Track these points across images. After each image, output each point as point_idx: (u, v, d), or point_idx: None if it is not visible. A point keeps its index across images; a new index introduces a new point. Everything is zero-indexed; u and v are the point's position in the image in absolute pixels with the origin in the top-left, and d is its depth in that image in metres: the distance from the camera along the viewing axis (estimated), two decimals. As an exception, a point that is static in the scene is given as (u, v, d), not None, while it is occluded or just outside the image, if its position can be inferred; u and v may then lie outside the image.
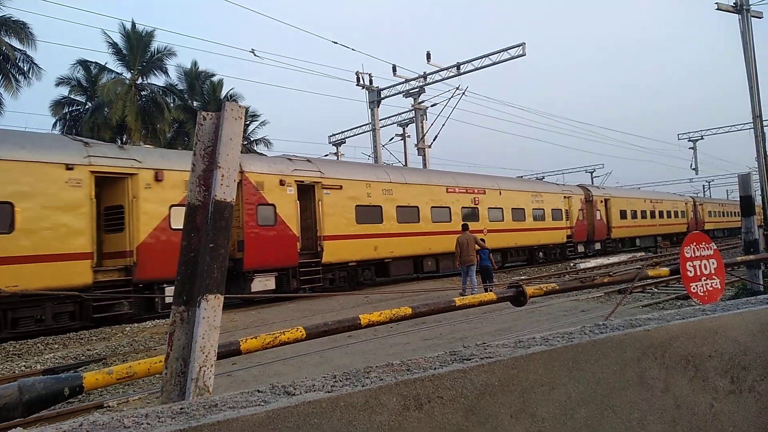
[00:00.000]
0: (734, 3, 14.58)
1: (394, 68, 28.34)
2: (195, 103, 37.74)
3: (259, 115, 40.46)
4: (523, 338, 2.32)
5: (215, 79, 37.86)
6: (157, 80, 35.17)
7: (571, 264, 25.93)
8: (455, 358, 2.02)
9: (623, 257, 29.24)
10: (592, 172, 59.72)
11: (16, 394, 2.57)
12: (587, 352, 2.18)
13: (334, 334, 3.99)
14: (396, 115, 34.27)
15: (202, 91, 37.85)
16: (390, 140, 33.72)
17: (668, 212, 42.82)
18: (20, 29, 27.14)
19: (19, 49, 27.68)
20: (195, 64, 37.35)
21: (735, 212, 58.24)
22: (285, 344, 3.54)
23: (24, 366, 8.62)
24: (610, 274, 14.49)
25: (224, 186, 2.64)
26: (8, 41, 27.32)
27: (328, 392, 1.65)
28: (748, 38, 14.41)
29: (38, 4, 38.58)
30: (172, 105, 35.30)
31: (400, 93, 29.70)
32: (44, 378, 2.82)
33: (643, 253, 32.45)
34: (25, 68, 28.08)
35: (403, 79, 28.88)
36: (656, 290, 13.05)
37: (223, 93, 37.75)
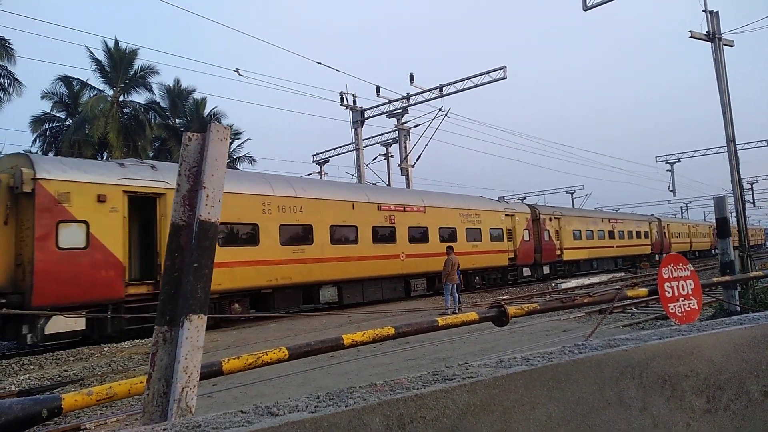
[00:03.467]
0: (707, 32, 15.07)
1: (377, 89, 28.62)
2: (177, 121, 37.63)
3: (241, 133, 40.46)
4: (505, 358, 2.36)
5: (198, 96, 37.90)
6: (140, 97, 35.13)
7: (552, 284, 25.95)
8: (438, 378, 2.05)
9: (604, 277, 29.37)
10: (572, 193, 60.50)
11: (-8, 416, 2.52)
12: (567, 372, 2.22)
13: (317, 354, 3.99)
14: (379, 135, 34.54)
15: (185, 109, 37.76)
16: (373, 160, 33.92)
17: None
18: (2, 44, 26.81)
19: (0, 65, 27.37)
20: (178, 81, 37.37)
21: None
22: (267, 364, 3.52)
23: (-4, 388, 8.39)
24: (590, 294, 14.64)
25: (209, 206, 2.65)
26: None
27: (312, 412, 1.66)
28: (721, 66, 14.87)
29: (19, 20, 38.10)
30: (154, 122, 35.11)
31: (383, 113, 29.94)
32: (21, 399, 2.77)
33: (623, 273, 32.63)
34: (5, 84, 27.73)
35: (387, 100, 29.17)
36: (636, 310, 13.20)
37: (206, 111, 37.71)
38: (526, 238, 27.90)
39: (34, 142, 33.16)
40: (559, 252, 30.78)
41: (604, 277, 29.32)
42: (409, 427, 1.74)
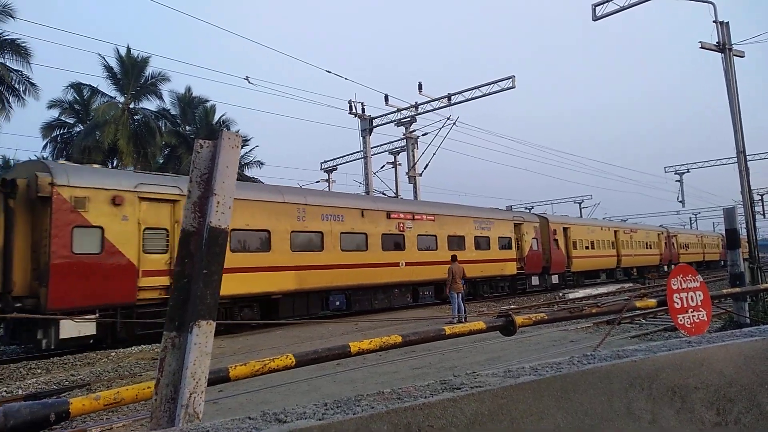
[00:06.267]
0: (717, 42, 15.03)
1: (386, 97, 28.74)
2: (187, 128, 37.87)
3: (249, 139, 40.65)
4: (513, 368, 2.35)
5: (208, 104, 38.05)
6: (150, 105, 35.31)
7: (560, 294, 25.83)
8: (446, 387, 2.04)
9: (612, 288, 29.22)
10: (580, 203, 60.28)
11: (1, 420, 2.54)
12: (576, 383, 2.20)
13: (323, 361, 3.98)
14: (388, 143, 34.62)
15: (195, 117, 38.01)
16: (381, 168, 33.95)
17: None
18: (17, 48, 27.02)
19: (14, 70, 27.67)
20: (189, 89, 37.61)
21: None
22: (274, 371, 3.53)
23: (5, 391, 8.43)
24: (599, 304, 14.54)
25: (219, 213, 2.67)
26: (3, 61, 27.16)
27: (319, 420, 1.66)
28: (731, 77, 14.81)
29: (32, 27, 38.52)
30: (164, 129, 35.33)
31: (392, 122, 30.05)
32: (30, 403, 2.78)
33: (631, 284, 32.41)
34: (20, 89, 27.95)
35: (395, 108, 29.27)
36: (644, 321, 13.10)
37: (216, 118, 37.93)
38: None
39: (44, 147, 33.43)
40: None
41: (612, 288, 29.19)
42: (416, 436, 1.73)
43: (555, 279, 29.21)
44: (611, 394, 2.24)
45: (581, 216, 52.33)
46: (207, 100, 38.10)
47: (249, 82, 24.58)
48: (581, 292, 25.89)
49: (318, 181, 39.12)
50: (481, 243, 24.18)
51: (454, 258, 17.02)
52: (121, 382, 8.54)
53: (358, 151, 33.43)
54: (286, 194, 17.02)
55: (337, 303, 17.80)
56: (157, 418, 2.18)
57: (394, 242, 20.06)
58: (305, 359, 3.65)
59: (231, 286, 13.87)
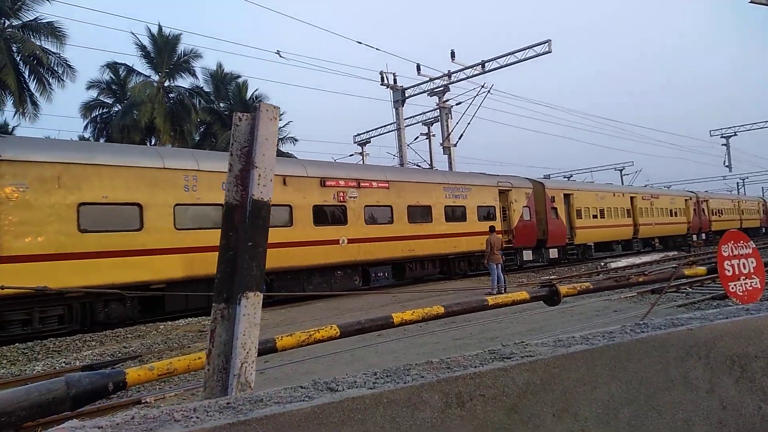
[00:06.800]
0: (772, -6, 14.11)
1: (418, 67, 28.31)
2: (221, 105, 38.23)
3: (282, 114, 40.73)
4: (562, 337, 2.30)
5: (240, 80, 38.20)
6: (184, 82, 35.65)
7: (601, 263, 25.26)
8: (495, 357, 2.02)
9: (655, 256, 28.41)
10: (621, 170, 58.58)
11: (64, 389, 2.66)
12: (629, 352, 2.15)
13: (367, 332, 4.02)
14: (421, 114, 34.19)
15: (228, 93, 38.30)
16: (415, 139, 33.64)
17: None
18: (53, 31, 27.53)
19: (53, 52, 28.30)
20: (220, 66, 37.83)
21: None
22: (319, 342, 3.57)
23: (64, 362, 8.87)
24: (645, 273, 14.17)
25: (261, 185, 2.67)
26: (41, 44, 27.68)
27: (371, 389, 1.67)
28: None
29: (63, 8, 39.05)
30: (198, 107, 35.73)
31: (424, 92, 29.63)
32: (90, 373, 2.90)
33: (676, 252, 31.44)
34: (59, 71, 28.61)
35: (428, 78, 28.83)
36: (690, 290, 12.73)
37: (249, 94, 38.15)
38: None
39: (85, 128, 34.25)
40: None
41: (655, 256, 28.35)
42: (468, 405, 1.72)
43: (553, 253, 25.58)
44: (667, 363, 2.17)
45: (622, 184, 50.63)
46: (239, 76, 38.28)
47: (280, 56, 24.61)
48: (623, 261, 25.20)
49: (352, 155, 39.08)
50: (455, 213, 20.93)
51: (492, 229, 16.90)
52: (171, 353, 8.86)
53: (390, 123, 33.20)
54: (167, 158, 13.75)
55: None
56: (210, 387, 2.24)
57: (332, 215, 16.88)
58: (349, 330, 3.68)
59: (79, 276, 11.45)
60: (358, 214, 17.40)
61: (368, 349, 7.65)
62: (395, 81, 29.24)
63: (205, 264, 12.69)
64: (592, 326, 7.68)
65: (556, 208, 26.14)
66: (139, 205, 12.72)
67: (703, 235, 40.02)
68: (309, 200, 16.17)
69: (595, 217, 29.35)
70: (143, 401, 5.89)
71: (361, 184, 17.74)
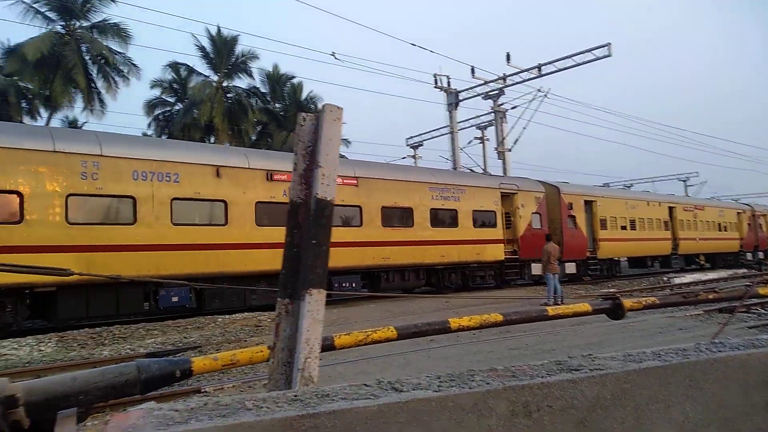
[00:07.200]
0: None
1: (472, 70, 28.15)
2: (277, 105, 39.11)
3: (337, 116, 41.22)
4: (633, 352, 2.21)
5: (296, 81, 38.90)
6: (241, 83, 36.70)
7: (664, 279, 24.09)
8: (562, 368, 1.96)
9: (723, 273, 26.79)
10: (685, 181, 55.77)
11: (135, 373, 2.79)
12: (705, 371, 2.04)
13: (423, 336, 4.00)
14: (474, 117, 33.76)
15: (283, 94, 39.14)
16: (468, 143, 33.28)
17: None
18: (119, 32, 29.31)
19: (118, 52, 29.94)
20: (276, 67, 38.69)
21: None
22: (376, 342, 3.60)
23: (129, 349, 9.33)
24: (716, 290, 13.44)
25: (325, 185, 2.71)
26: (107, 44, 29.47)
27: (436, 391, 1.65)
28: None
29: (127, 8, 40.92)
30: (255, 107, 36.66)
31: (478, 95, 29.36)
32: (159, 360, 3.03)
33: (745, 270, 29.50)
34: (124, 70, 30.30)
35: (482, 81, 28.52)
36: (763, 311, 11.97)
37: (303, 95, 38.88)
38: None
39: (149, 126, 35.86)
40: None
41: (722, 274, 26.75)
42: (535, 415, 1.68)
43: (570, 268, 22.15)
44: (747, 387, 2.05)
45: (686, 195, 47.69)
46: (293, 77, 39.03)
47: (335, 58, 24.93)
48: (688, 277, 23.95)
49: (404, 158, 39.10)
50: (443, 218, 18.65)
51: (548, 237, 16.51)
52: (229, 345, 9.14)
53: (443, 127, 32.99)
54: (59, 140, 11.84)
55: (175, 299, 12.80)
56: (275, 380, 2.29)
57: (280, 215, 13.25)
58: (406, 333, 3.68)
59: None
60: None
61: (420, 354, 7.62)
62: (449, 83, 29.18)
63: (108, 264, 11.38)
64: (656, 343, 7.35)
65: (574, 217, 23.31)
66: (20, 194, 10.99)
67: (760, 254, 36.88)
68: (249, 196, 14.16)
69: (624, 228, 26.14)
70: (202, 390, 6.09)
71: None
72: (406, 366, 6.93)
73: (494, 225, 20.13)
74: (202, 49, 34.54)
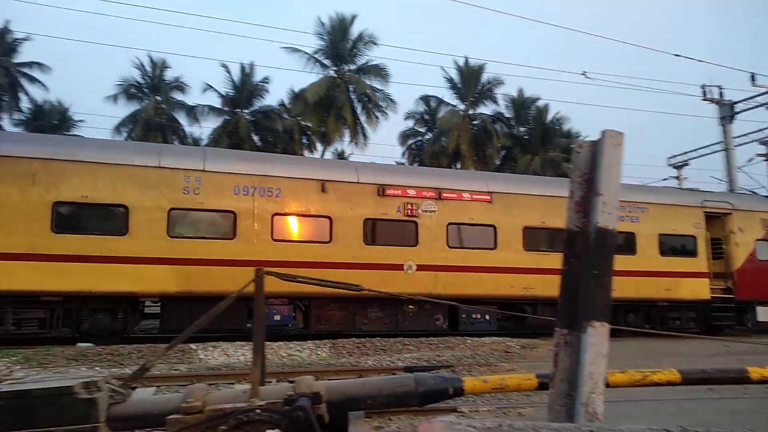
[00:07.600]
0: None
1: (752, 77, 24.11)
2: (521, 129, 39.14)
3: (586, 136, 39.34)
4: None
5: (540, 103, 38.50)
6: (486, 109, 37.84)
7: None
8: None
9: None
10: None
11: (413, 385, 3.05)
12: None
13: (714, 384, 3.55)
14: (756, 131, 28.75)
15: (528, 117, 38.93)
16: (749, 161, 28.37)
17: None
18: (380, 72, 33.35)
19: (379, 90, 34.00)
20: (521, 91, 38.73)
21: None
22: (655, 384, 3.28)
23: (389, 361, 10.19)
24: None
25: (606, 213, 2.63)
26: (370, 83, 33.77)
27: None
28: None
29: (384, 49, 45.58)
30: (499, 132, 37.38)
31: (761, 105, 24.98)
32: (433, 375, 3.26)
33: None
34: (383, 105, 34.26)
35: (765, 90, 24.23)
36: None
37: (549, 116, 38.11)
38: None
39: (402, 155, 39.48)
40: None
41: None
42: None
43: None
44: None
45: None
46: (538, 99, 38.63)
47: (586, 77, 23.94)
48: None
49: (665, 179, 34.98)
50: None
51: None
52: (479, 369, 9.31)
53: (715, 143, 28.74)
54: (164, 156, 12.27)
55: (277, 318, 12.48)
56: (555, 411, 2.27)
57: (391, 233, 13.83)
58: (692, 378, 3.28)
59: None
60: (435, 234, 13.86)
61: (698, 403, 6.65)
62: (721, 95, 25.60)
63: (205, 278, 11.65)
64: None
65: None
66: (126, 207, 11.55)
67: None
68: (356, 212, 13.32)
69: None
70: (458, 410, 6.31)
71: (443, 194, 14.11)
72: (679, 415, 6.12)
73: (693, 254, 16.33)
74: (450, 80, 36.70)
